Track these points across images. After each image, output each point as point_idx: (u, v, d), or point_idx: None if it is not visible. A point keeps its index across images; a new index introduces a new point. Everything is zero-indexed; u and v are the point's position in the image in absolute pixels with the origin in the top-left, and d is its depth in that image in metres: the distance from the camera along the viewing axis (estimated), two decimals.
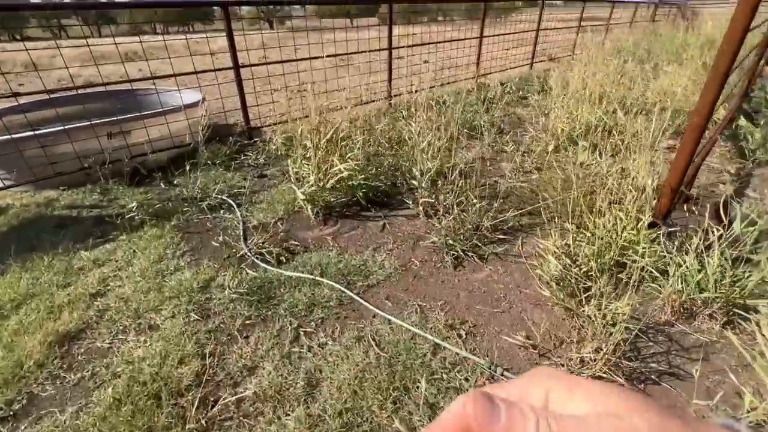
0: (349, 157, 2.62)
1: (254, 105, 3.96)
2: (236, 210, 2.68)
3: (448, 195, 2.51)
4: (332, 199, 2.65)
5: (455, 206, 2.37)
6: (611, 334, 1.47)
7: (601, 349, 1.46)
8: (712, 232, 1.71)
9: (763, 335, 1.29)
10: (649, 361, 1.55)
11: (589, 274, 1.84)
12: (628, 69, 5.64)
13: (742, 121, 3.34)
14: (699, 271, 1.64)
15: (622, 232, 1.92)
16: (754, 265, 1.60)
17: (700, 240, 1.71)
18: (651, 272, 1.80)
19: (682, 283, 1.68)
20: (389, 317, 1.77)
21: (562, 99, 4.16)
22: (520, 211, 2.47)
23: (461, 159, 3.31)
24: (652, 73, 5.50)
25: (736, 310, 1.61)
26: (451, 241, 2.22)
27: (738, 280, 1.61)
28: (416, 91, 3.45)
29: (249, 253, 2.23)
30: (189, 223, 2.58)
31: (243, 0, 3.82)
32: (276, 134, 3.74)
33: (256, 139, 3.88)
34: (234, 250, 2.26)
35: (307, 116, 2.76)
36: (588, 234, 1.98)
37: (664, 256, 1.82)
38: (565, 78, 5.42)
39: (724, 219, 1.75)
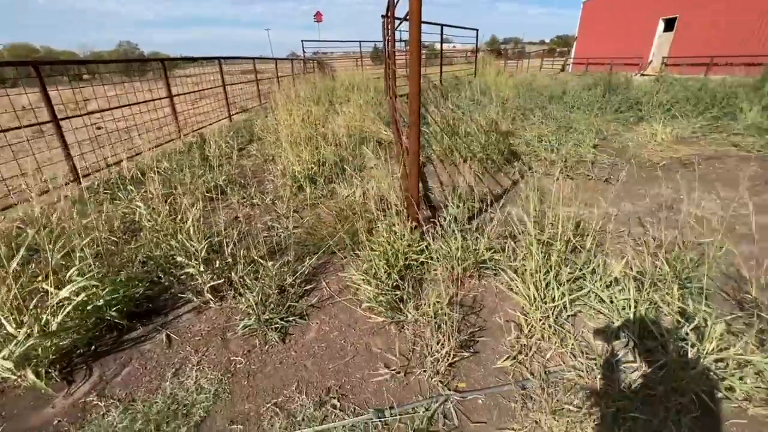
0: (72, 276, 1.82)
1: None
2: None
3: (233, 267, 2.23)
4: (67, 341, 1.77)
5: (249, 276, 2.14)
6: (437, 323, 1.79)
7: (445, 342, 1.74)
8: (443, 218, 2.39)
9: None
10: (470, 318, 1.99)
11: (396, 284, 2.14)
12: (316, 111, 6.80)
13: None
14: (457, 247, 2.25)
15: (397, 242, 2.34)
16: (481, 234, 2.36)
17: (443, 226, 2.34)
18: (430, 260, 2.31)
19: (453, 260, 2.24)
20: None
21: (282, 144, 4.53)
22: (316, 255, 2.52)
23: (218, 224, 3.00)
24: (332, 112, 6.87)
25: (481, 266, 2.33)
26: (267, 316, 1.98)
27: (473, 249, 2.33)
28: (116, 164, 2.82)
29: None
30: None
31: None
32: None
33: None
34: None
35: None
36: (377, 251, 2.29)
37: (429, 245, 2.37)
38: (269, 125, 5.92)
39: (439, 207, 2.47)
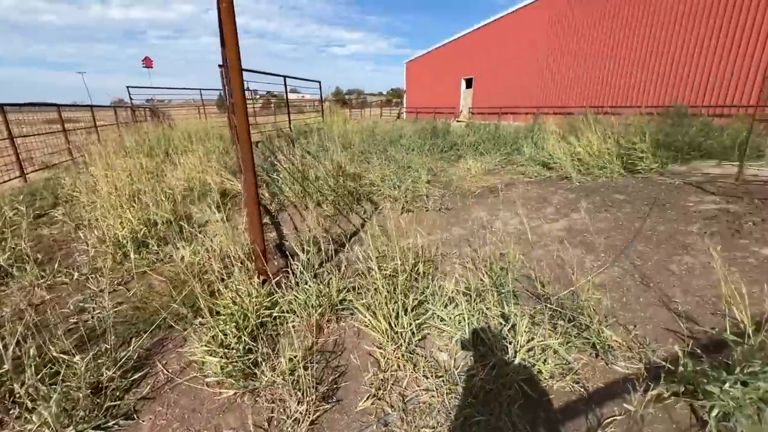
0: None
1: None
2: None
3: (17, 375, 1.67)
4: None
5: (45, 381, 1.63)
6: (295, 373, 1.69)
7: (304, 398, 1.64)
8: (296, 266, 2.35)
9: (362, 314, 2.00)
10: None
11: (248, 347, 1.95)
12: (148, 164, 6.00)
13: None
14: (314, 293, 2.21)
15: (246, 301, 2.17)
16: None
17: (299, 273, 2.29)
18: (285, 312, 2.20)
19: (308, 308, 2.18)
20: None
21: (100, 204, 3.80)
22: (147, 334, 2.10)
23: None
24: (169, 164, 6.16)
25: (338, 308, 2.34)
26: (73, 430, 1.52)
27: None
28: None
29: None
30: None
31: None
32: None
33: None
34: None
35: None
36: (224, 315, 2.06)
37: (282, 296, 2.27)
38: (83, 182, 4.93)
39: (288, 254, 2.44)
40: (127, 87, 13.05)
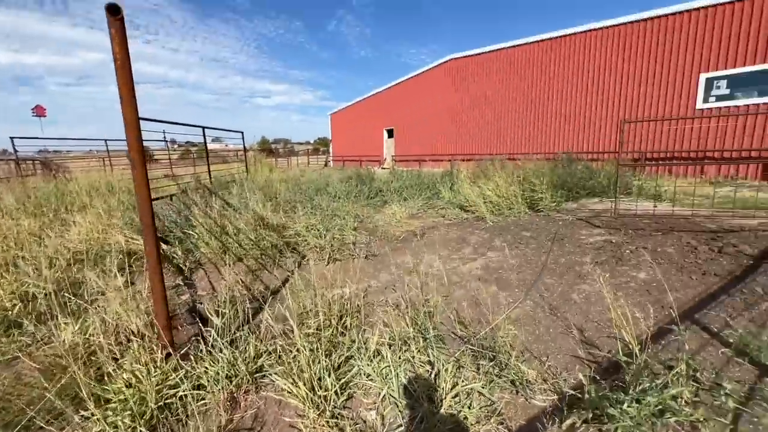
0: None
1: None
2: None
3: None
4: None
5: None
6: None
7: None
8: (208, 334, 2.13)
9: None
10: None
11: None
12: (30, 225, 5.20)
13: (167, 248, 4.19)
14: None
15: (145, 381, 1.88)
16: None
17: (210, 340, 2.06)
18: (194, 389, 1.94)
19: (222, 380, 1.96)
20: None
21: None
22: None
23: None
24: (59, 224, 5.39)
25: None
26: None
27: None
28: None
29: None
30: None
31: None
32: None
33: None
34: None
35: None
36: (116, 402, 1.75)
37: (191, 370, 2.01)
38: None
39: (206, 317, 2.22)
40: (11, 138, 11.45)
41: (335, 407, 1.86)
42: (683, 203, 5.85)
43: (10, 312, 2.84)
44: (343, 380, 1.94)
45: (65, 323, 2.53)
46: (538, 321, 2.71)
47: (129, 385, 1.82)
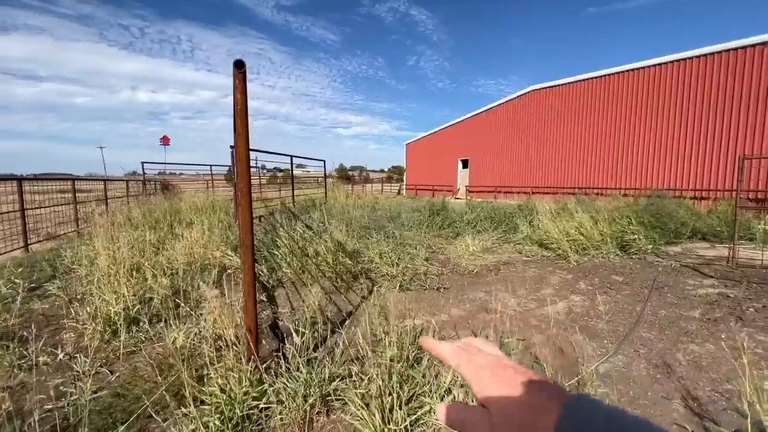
0: None
1: None
2: None
3: None
4: None
5: None
6: None
7: None
8: (289, 349, 2.28)
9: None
10: None
11: None
12: (151, 237, 6.12)
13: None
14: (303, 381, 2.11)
15: (234, 389, 2.07)
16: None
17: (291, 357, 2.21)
18: (272, 404, 2.07)
19: (298, 398, 2.06)
20: None
21: (97, 277, 3.80)
22: (124, 425, 1.95)
23: None
24: (171, 237, 6.26)
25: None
26: None
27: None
28: None
29: None
30: None
31: None
32: None
33: None
34: None
35: None
36: (209, 405, 1.95)
37: (272, 384, 2.16)
38: (84, 254, 4.98)
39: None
40: (142, 162, 13.81)
41: None
42: None
43: (131, 311, 3.35)
44: (414, 416, 1.91)
45: (175, 326, 2.91)
46: (633, 380, 2.39)
47: (222, 390, 2.02)
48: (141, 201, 11.23)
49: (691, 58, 10.65)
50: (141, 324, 3.21)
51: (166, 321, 3.09)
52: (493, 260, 5.49)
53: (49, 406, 2.24)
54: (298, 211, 9.26)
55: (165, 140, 19.30)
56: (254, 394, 2.05)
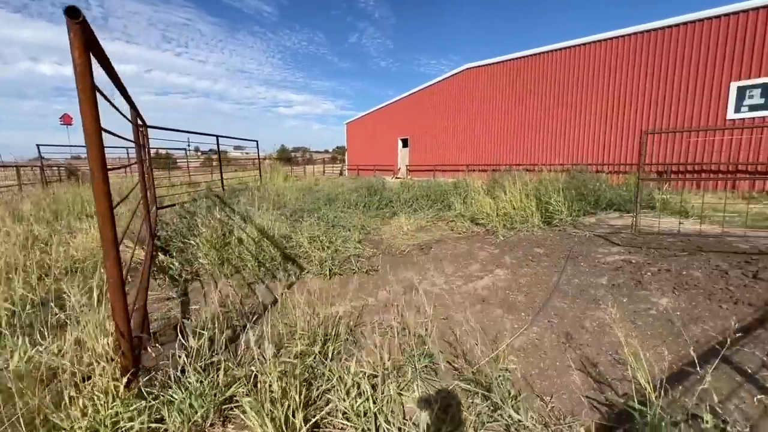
0: None
1: None
2: None
3: None
4: None
5: None
6: None
7: None
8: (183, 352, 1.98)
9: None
10: None
11: None
12: (40, 232, 5.27)
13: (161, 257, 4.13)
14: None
15: (102, 411, 1.74)
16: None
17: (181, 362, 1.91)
18: (153, 422, 1.78)
19: (188, 410, 1.79)
20: None
21: None
22: None
23: None
24: (69, 233, 5.44)
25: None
26: None
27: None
28: None
29: None
30: None
31: None
32: None
33: None
34: None
35: None
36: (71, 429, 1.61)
37: (156, 398, 1.86)
38: None
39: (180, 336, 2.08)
40: (38, 145, 11.93)
41: None
42: (712, 220, 5.42)
43: None
44: (312, 420, 1.74)
45: (42, 338, 2.43)
46: (545, 352, 2.44)
47: (84, 414, 1.68)
48: (39, 190, 9.72)
49: (606, 39, 11.38)
50: (2, 337, 2.67)
51: (39, 333, 2.59)
52: (426, 239, 5.47)
53: None
54: (226, 196, 8.58)
55: (66, 119, 16.80)
56: (129, 415, 1.74)
